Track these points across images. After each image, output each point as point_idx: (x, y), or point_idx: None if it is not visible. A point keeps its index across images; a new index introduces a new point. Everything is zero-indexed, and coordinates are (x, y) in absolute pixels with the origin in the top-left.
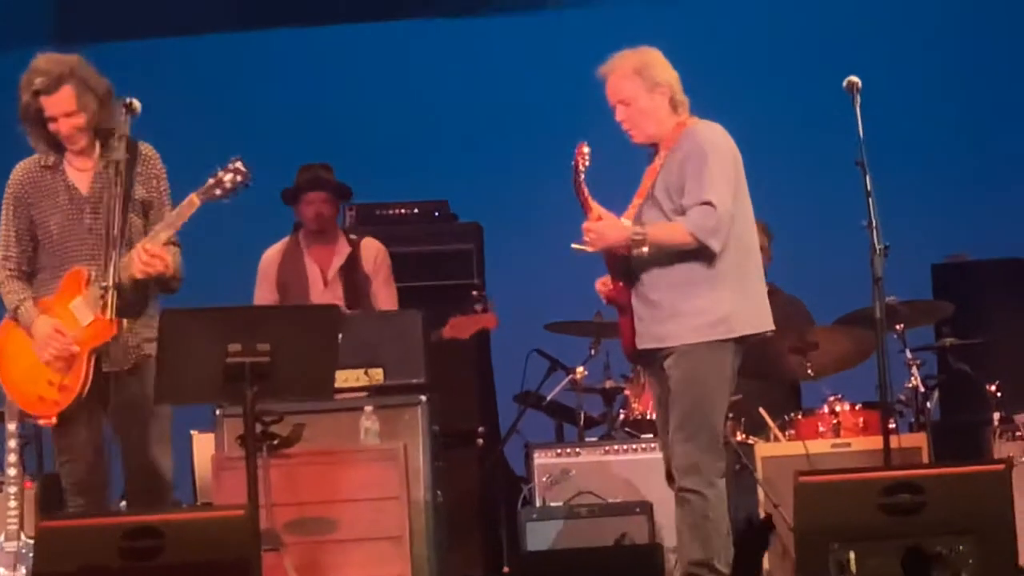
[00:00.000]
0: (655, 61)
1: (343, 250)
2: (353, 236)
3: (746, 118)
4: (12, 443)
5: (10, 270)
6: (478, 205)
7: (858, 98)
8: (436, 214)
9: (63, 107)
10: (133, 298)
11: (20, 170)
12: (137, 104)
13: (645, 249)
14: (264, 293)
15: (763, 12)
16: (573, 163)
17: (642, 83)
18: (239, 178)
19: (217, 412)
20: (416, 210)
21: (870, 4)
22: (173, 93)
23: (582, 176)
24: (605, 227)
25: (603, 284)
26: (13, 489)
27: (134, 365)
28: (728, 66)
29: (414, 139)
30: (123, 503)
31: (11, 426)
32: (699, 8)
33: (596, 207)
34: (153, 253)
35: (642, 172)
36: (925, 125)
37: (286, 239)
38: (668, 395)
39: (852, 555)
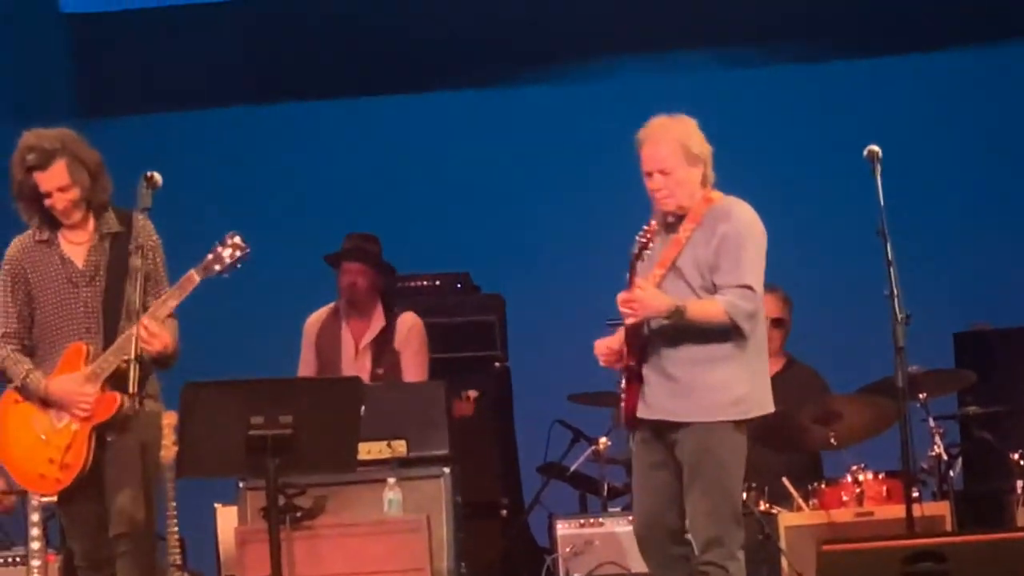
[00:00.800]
0: (695, 133)
1: (377, 323)
2: (396, 309)
3: (767, 188)
4: (35, 516)
5: (12, 346)
6: (500, 277)
7: (879, 167)
8: (458, 285)
9: (56, 182)
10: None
11: (16, 246)
12: (158, 177)
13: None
14: (306, 356)
15: (784, 81)
16: (643, 240)
17: (683, 154)
18: (237, 253)
19: (240, 485)
20: (438, 282)
21: (890, 73)
22: (194, 165)
23: (646, 254)
24: (649, 297)
25: (607, 347)
26: (36, 562)
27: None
28: (748, 135)
29: (435, 211)
30: None
31: (35, 500)
32: (719, 78)
33: (637, 280)
34: (153, 332)
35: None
36: (946, 194)
37: (332, 304)
38: (663, 467)
39: None
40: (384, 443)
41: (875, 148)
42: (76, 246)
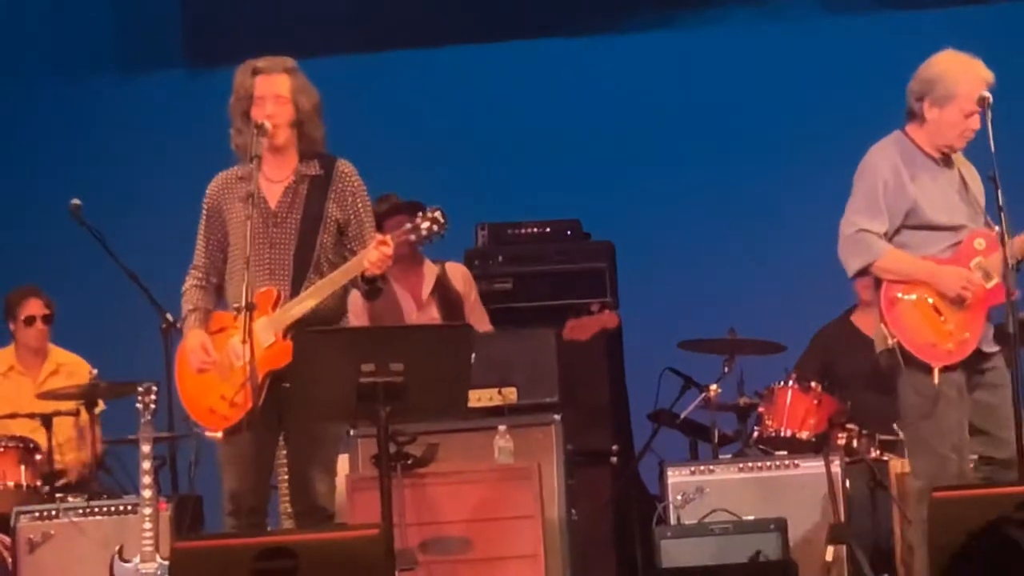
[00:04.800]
0: None
1: (431, 272)
2: (438, 260)
3: (876, 135)
4: (146, 465)
5: (197, 279)
6: (610, 224)
7: (989, 112)
8: (568, 233)
9: (275, 88)
10: (319, 318)
11: (216, 181)
12: (268, 125)
13: None
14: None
15: (889, 28)
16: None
17: None
18: (435, 227)
19: (351, 432)
20: (548, 229)
21: (1001, 17)
22: None
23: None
24: None
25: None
26: (148, 511)
27: None
28: (854, 82)
29: (546, 158)
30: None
31: (145, 448)
32: (824, 25)
33: None
34: (388, 244)
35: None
36: None
37: None
38: (972, 406)
39: None
40: (494, 390)
41: (986, 94)
42: (272, 184)
